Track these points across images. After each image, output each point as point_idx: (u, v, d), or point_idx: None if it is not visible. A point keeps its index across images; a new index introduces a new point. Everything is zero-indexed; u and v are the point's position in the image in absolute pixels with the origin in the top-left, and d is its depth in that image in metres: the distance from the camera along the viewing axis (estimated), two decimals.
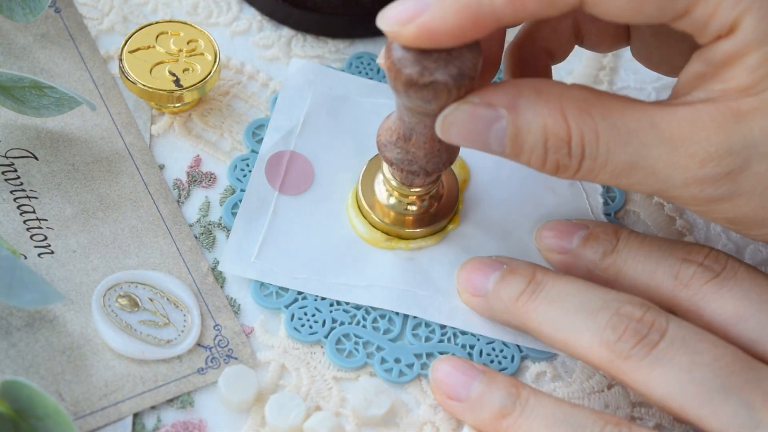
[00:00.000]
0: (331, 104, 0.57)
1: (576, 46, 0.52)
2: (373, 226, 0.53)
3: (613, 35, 0.52)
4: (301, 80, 0.57)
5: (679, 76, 0.47)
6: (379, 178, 0.53)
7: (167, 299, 0.51)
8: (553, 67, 0.53)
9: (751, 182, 0.45)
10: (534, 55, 0.51)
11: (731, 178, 0.45)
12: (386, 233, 0.53)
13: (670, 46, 0.50)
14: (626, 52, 0.60)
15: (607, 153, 0.45)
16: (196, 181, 0.55)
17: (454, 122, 0.46)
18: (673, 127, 0.45)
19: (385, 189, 0.53)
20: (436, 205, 0.53)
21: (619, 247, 0.51)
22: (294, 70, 0.57)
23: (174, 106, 0.56)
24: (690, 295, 0.49)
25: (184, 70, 0.55)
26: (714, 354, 0.46)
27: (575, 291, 0.48)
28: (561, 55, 0.52)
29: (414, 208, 0.53)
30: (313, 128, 0.56)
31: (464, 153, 0.55)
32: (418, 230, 0.53)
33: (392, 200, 0.53)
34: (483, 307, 0.51)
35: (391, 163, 0.50)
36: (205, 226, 0.53)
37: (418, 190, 0.52)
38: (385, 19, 0.44)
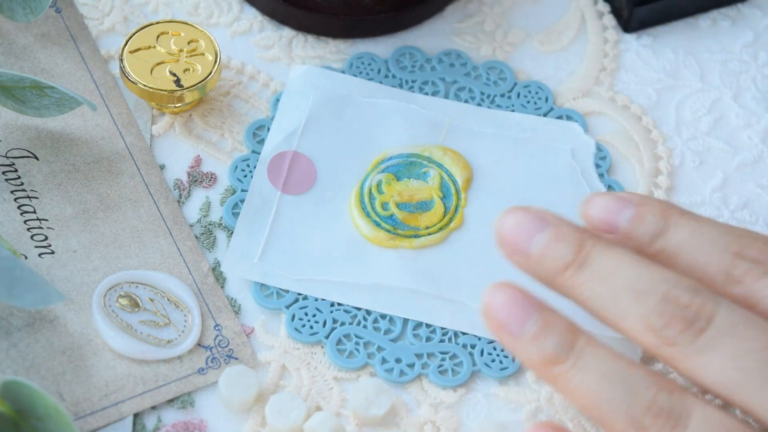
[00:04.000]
0: (333, 105, 0.57)
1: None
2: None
3: None
4: (303, 83, 0.57)
5: None
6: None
7: (168, 299, 0.51)
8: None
9: None
10: None
11: None
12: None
13: None
14: (626, 53, 0.60)
15: None
16: (196, 181, 0.55)
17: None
18: None
19: None
20: None
21: (669, 234, 0.48)
22: (296, 74, 0.57)
23: (174, 107, 0.56)
24: (743, 291, 0.47)
25: (184, 71, 0.55)
26: (763, 341, 0.44)
27: (623, 268, 0.46)
28: None
29: None
30: (315, 129, 0.56)
31: (466, 152, 0.56)
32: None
33: None
34: (524, 264, 0.48)
35: None
36: (205, 227, 0.53)
37: None
38: None
